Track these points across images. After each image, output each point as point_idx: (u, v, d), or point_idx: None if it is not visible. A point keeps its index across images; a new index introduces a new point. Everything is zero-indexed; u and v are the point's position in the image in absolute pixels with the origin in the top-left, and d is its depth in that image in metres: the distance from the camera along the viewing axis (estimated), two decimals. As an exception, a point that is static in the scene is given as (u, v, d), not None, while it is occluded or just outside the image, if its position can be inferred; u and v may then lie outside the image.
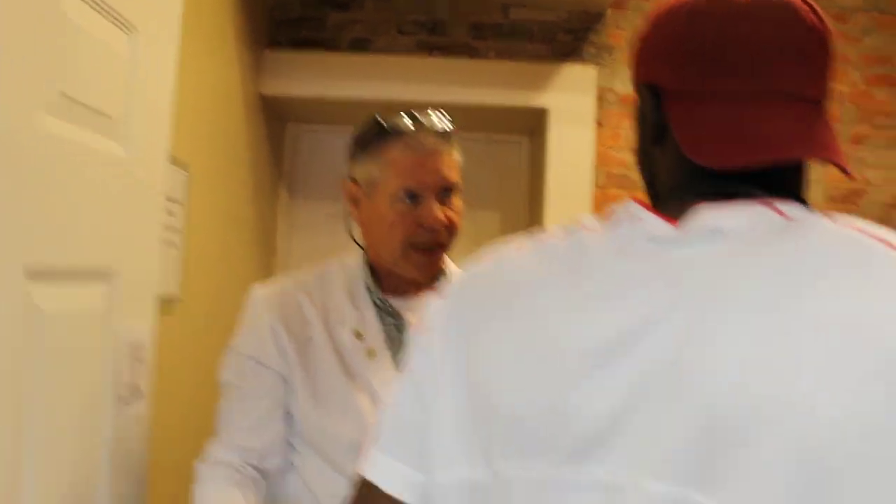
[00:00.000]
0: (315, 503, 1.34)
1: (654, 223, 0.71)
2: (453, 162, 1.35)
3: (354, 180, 1.37)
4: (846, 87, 2.84)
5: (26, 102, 0.93)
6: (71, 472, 1.09)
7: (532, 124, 3.06)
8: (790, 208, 0.68)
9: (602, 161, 2.84)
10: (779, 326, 0.60)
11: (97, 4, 1.07)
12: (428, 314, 0.82)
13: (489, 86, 2.82)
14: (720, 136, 0.69)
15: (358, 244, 1.44)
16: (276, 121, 3.10)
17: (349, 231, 1.45)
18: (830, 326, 0.58)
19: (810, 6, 0.71)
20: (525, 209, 3.30)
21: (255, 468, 1.35)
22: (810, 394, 0.56)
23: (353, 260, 1.44)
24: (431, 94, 2.80)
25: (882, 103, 2.89)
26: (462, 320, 0.78)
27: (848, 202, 2.85)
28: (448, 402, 0.76)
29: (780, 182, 0.71)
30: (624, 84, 2.83)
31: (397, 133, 1.31)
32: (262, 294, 1.41)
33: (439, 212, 1.32)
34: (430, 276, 1.38)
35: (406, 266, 1.34)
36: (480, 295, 0.78)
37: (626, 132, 2.82)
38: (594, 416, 0.66)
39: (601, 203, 2.81)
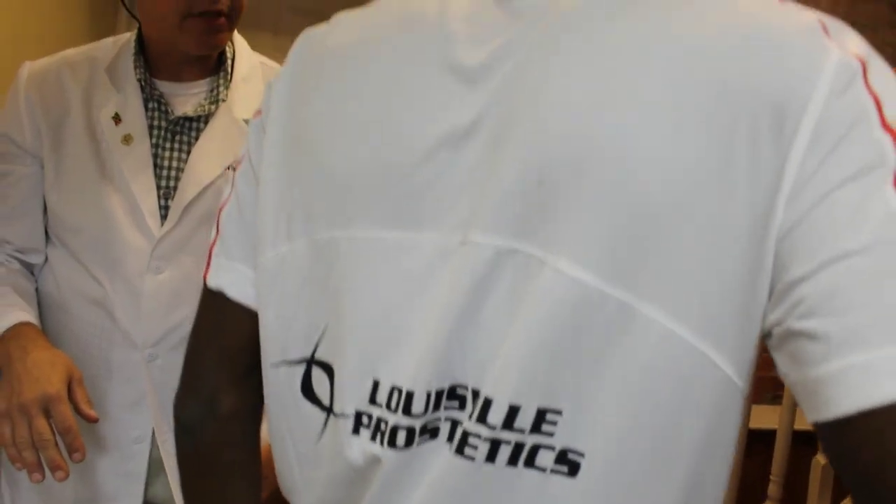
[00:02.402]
0: (60, 297, 1.24)
1: None
2: None
3: None
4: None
5: None
6: None
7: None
8: None
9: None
10: (612, 64, 0.56)
11: None
12: (265, 94, 0.74)
13: None
14: None
15: (133, 16, 1.27)
16: None
17: (123, 1, 1.28)
18: (663, 65, 0.55)
19: None
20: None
21: (21, 262, 1.24)
22: (636, 135, 0.54)
23: (128, 37, 1.28)
24: None
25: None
26: (291, 90, 0.71)
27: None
28: (273, 175, 0.69)
29: None
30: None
31: None
32: (26, 70, 1.25)
33: None
34: (212, 50, 1.23)
35: (184, 38, 1.19)
36: (310, 62, 0.71)
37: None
38: (427, 175, 0.62)
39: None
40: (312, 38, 0.73)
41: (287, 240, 0.68)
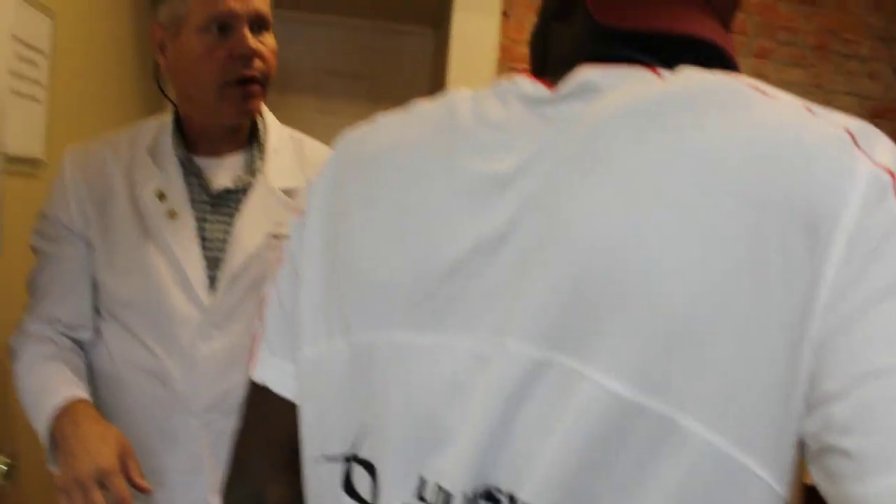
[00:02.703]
0: (115, 370, 1.28)
1: (529, 85, 0.68)
2: None
3: (160, 23, 1.26)
4: (753, -3, 2.84)
5: None
6: None
7: (436, 12, 2.95)
8: (669, 72, 0.64)
9: (506, 55, 2.76)
10: (640, 178, 0.56)
11: None
12: (304, 193, 0.77)
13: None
14: (631, 4, 0.67)
15: (169, 100, 1.35)
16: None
17: (159, 85, 1.35)
18: (693, 171, 0.55)
19: None
20: (426, 103, 3.22)
21: (70, 339, 1.28)
22: (670, 252, 0.54)
23: (166, 118, 1.35)
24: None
25: (785, 18, 2.90)
26: (330, 192, 0.74)
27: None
28: (313, 276, 0.72)
29: (680, 59, 0.68)
30: (533, -26, 2.75)
31: None
32: (69, 154, 1.32)
33: (253, 41, 1.23)
34: (248, 115, 1.30)
35: (223, 106, 1.26)
36: (347, 166, 0.74)
37: (532, 25, 2.75)
38: (462, 280, 0.63)
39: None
40: (351, 142, 0.76)
41: (326, 338, 0.70)
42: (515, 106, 0.67)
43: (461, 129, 0.68)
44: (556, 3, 0.73)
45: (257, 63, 1.24)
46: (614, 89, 0.63)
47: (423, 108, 0.73)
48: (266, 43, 1.26)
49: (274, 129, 1.38)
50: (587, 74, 0.65)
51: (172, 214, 1.28)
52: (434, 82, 3.12)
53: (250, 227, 1.29)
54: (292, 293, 0.75)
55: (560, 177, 0.60)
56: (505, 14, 2.74)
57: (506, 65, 2.75)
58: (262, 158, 1.34)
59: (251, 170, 1.33)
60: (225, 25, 1.22)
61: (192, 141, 1.33)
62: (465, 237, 0.63)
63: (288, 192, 1.33)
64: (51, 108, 1.82)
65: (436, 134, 0.69)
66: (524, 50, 2.74)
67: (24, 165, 1.68)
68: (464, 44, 2.73)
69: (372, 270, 0.67)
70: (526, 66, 2.70)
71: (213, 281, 1.28)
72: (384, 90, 3.28)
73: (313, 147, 1.41)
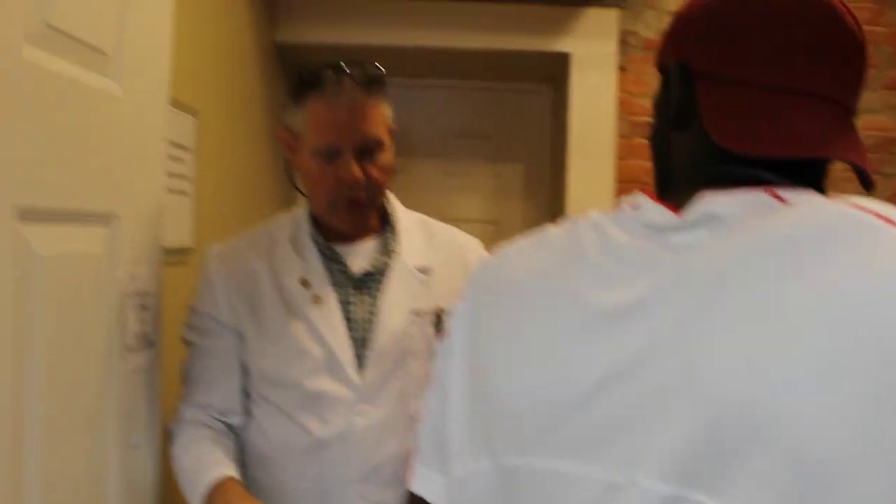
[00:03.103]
0: (269, 449, 1.35)
1: (654, 211, 0.70)
2: (378, 115, 1.32)
3: (287, 129, 1.37)
4: (882, 27, 2.73)
5: (7, 33, 0.88)
6: (76, 421, 1.07)
7: (554, 71, 2.99)
8: (792, 193, 0.65)
9: (626, 108, 2.76)
10: (772, 321, 0.57)
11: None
12: (450, 318, 0.83)
13: (510, 30, 2.75)
14: (750, 126, 0.67)
15: (301, 192, 1.43)
16: (293, 69, 3.04)
17: (291, 180, 1.44)
18: (825, 315, 0.55)
19: (850, 12, 0.69)
20: (548, 161, 3.24)
21: (222, 423, 1.37)
22: (803, 396, 0.55)
23: (301, 211, 1.44)
24: (451, 39, 2.76)
25: (919, 45, 2.78)
26: (472, 318, 0.79)
27: (882, 151, 2.76)
28: (458, 397, 0.77)
29: (798, 171, 0.68)
30: (647, 28, 2.75)
31: (317, 86, 1.30)
32: (213, 253, 1.42)
33: (357, 170, 1.30)
34: (359, 224, 1.39)
35: (335, 220, 1.36)
36: (486, 294, 0.79)
37: (650, 78, 2.74)
38: (592, 411, 0.65)
39: (626, 154, 2.74)
40: (487, 270, 0.81)
41: (472, 458, 0.74)
42: (639, 234, 0.69)
43: (586, 260, 0.71)
44: (673, 111, 0.73)
45: (363, 190, 1.32)
46: (740, 220, 0.64)
47: (551, 235, 0.77)
48: (378, 163, 1.33)
49: (401, 215, 1.46)
50: (711, 203, 0.66)
51: (317, 299, 1.35)
52: (555, 139, 3.15)
53: (393, 305, 1.36)
54: (440, 411, 0.79)
55: (688, 311, 0.62)
56: (622, 68, 2.75)
57: (625, 118, 2.75)
58: (395, 240, 1.41)
59: (387, 251, 1.40)
60: (332, 153, 1.30)
61: (327, 230, 1.41)
62: (593, 368, 0.66)
63: (422, 270, 1.40)
64: (196, 198, 1.96)
65: (562, 264, 0.73)
66: (642, 102, 2.74)
67: (177, 255, 1.81)
68: (583, 100, 2.76)
69: (510, 394, 0.71)
70: (644, 118, 2.66)
71: (360, 359, 1.34)
72: (506, 149, 3.33)
73: (439, 227, 1.49)
